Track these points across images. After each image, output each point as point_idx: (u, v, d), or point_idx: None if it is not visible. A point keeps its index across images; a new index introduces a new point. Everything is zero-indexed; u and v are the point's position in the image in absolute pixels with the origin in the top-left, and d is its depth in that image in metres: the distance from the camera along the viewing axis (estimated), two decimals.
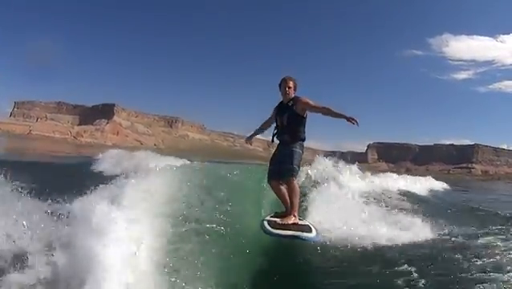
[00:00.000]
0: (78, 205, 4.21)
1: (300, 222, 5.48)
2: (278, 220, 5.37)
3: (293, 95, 5.69)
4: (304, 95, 5.71)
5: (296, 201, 5.50)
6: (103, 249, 3.46)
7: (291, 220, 5.36)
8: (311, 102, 5.52)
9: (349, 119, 5.13)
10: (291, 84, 5.67)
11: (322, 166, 12.08)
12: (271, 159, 5.78)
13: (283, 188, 5.57)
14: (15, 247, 4.45)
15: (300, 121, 5.59)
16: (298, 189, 5.54)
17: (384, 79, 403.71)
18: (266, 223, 5.23)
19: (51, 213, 5.23)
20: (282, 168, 5.49)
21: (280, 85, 5.72)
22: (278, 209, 5.91)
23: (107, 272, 3.33)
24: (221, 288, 4.01)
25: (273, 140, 5.78)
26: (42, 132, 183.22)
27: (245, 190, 6.68)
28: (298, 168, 5.53)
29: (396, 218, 8.01)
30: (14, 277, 3.87)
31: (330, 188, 9.32)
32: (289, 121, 5.59)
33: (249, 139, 6.67)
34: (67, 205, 5.20)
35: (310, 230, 5.20)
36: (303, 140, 5.62)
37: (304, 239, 5.01)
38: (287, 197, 5.54)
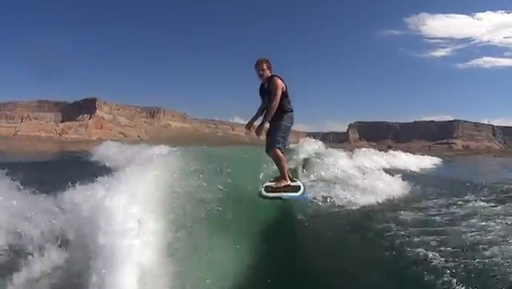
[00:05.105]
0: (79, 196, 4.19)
1: (292, 184, 6.12)
2: (272, 184, 6.04)
3: (269, 75, 5.97)
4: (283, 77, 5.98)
5: (283, 166, 6.07)
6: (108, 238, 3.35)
7: (283, 183, 6.01)
8: (278, 92, 5.78)
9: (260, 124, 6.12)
10: (264, 66, 5.92)
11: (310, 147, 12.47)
12: (267, 133, 6.18)
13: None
14: (19, 242, 4.34)
15: (280, 98, 5.85)
16: (281, 156, 5.98)
17: (363, 59, 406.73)
18: (262, 188, 5.87)
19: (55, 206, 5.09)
20: (268, 140, 5.99)
21: (255, 68, 5.99)
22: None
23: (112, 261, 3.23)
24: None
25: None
26: (28, 132, 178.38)
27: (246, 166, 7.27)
28: (284, 138, 6.02)
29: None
30: (19, 271, 3.85)
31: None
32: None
33: (248, 126, 6.50)
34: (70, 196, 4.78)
35: (298, 190, 5.91)
36: (288, 111, 5.99)
37: (284, 199, 5.67)
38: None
